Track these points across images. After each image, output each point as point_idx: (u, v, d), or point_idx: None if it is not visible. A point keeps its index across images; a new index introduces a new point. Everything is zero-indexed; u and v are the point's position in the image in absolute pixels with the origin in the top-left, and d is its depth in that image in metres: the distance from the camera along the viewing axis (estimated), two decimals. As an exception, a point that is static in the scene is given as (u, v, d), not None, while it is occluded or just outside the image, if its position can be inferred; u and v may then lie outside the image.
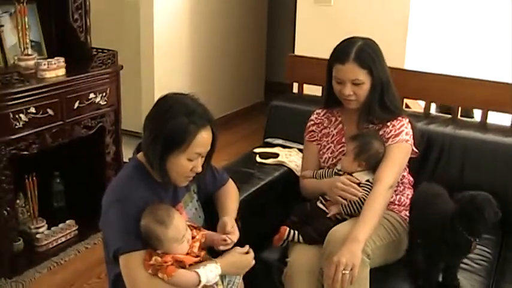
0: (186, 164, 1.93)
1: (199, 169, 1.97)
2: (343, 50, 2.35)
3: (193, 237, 1.96)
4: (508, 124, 2.85)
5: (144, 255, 1.87)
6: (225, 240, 2.01)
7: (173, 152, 1.89)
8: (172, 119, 1.88)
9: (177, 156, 1.90)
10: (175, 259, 1.86)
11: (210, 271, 1.90)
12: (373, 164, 2.33)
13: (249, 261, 2.06)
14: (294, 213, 2.41)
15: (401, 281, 2.26)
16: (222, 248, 2.02)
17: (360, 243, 2.07)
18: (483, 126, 2.85)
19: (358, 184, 2.30)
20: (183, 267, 1.88)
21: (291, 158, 2.88)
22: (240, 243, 2.08)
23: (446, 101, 2.99)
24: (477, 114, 2.92)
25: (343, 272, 2.01)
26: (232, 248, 2.05)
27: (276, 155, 2.91)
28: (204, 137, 1.92)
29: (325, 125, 2.56)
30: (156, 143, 1.89)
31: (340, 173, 2.39)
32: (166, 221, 1.86)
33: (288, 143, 3.04)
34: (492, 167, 2.67)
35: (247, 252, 2.08)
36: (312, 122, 2.60)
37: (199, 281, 1.86)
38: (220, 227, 2.09)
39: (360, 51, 2.32)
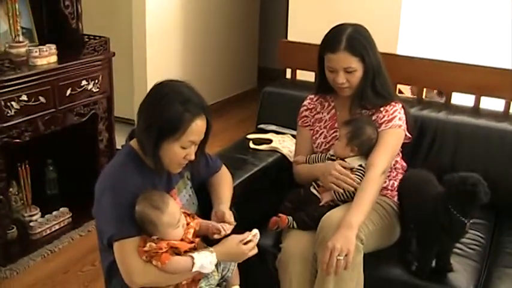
0: (179, 152, 1.92)
1: (193, 157, 1.97)
2: (334, 39, 2.34)
3: (187, 224, 1.96)
4: (501, 109, 2.86)
5: (139, 241, 1.88)
6: (219, 230, 2.01)
7: (167, 139, 1.89)
8: (168, 106, 1.88)
9: (171, 143, 1.90)
10: (170, 245, 1.87)
11: (205, 257, 1.90)
12: (366, 150, 2.33)
13: (245, 252, 2.03)
14: (287, 199, 2.41)
15: (395, 266, 2.27)
16: (216, 237, 2.02)
17: (353, 229, 2.08)
18: (476, 111, 2.86)
19: (351, 169, 2.31)
20: (178, 253, 1.88)
21: (284, 143, 2.88)
22: (235, 229, 2.08)
23: (438, 87, 2.99)
24: (470, 100, 2.92)
25: (338, 257, 2.02)
26: (229, 235, 2.05)
27: (269, 141, 2.90)
28: (198, 126, 1.92)
29: (318, 110, 2.56)
30: (150, 130, 1.89)
31: (333, 158, 2.39)
32: (162, 206, 1.86)
33: (281, 129, 3.04)
34: (485, 152, 2.68)
35: (246, 242, 2.05)
36: (305, 107, 2.60)
37: (193, 264, 1.87)
38: (217, 216, 2.09)
39: (350, 38, 2.31)
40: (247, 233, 2.05)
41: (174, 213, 1.89)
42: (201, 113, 1.93)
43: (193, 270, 1.88)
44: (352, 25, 2.37)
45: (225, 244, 2.01)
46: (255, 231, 2.06)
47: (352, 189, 2.26)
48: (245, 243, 2.02)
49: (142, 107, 1.96)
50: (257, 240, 2.06)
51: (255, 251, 2.06)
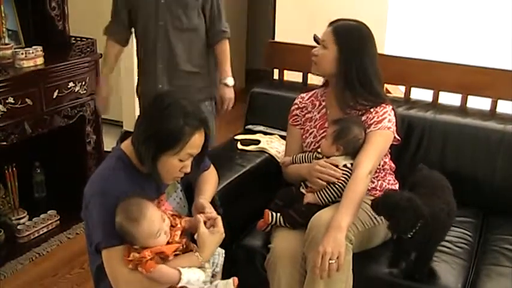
0: (177, 164, 1.92)
1: (188, 170, 1.97)
2: (338, 19, 2.44)
3: (175, 226, 1.95)
4: (488, 108, 2.87)
5: (124, 250, 1.87)
6: (202, 219, 2.00)
7: (166, 152, 1.88)
8: (169, 119, 1.87)
9: (169, 156, 1.89)
10: (154, 252, 1.85)
11: (194, 273, 1.89)
12: (351, 149, 2.33)
13: (220, 231, 2.02)
14: (278, 197, 2.42)
15: (384, 265, 2.28)
16: (211, 229, 2.01)
17: (343, 231, 2.08)
18: (463, 110, 2.88)
19: (336, 167, 2.31)
20: (165, 257, 1.87)
21: (272, 144, 2.88)
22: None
23: (426, 86, 3.00)
24: (457, 99, 2.94)
25: (330, 261, 2.03)
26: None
27: (258, 142, 2.91)
28: (197, 139, 1.92)
29: (309, 109, 2.57)
30: (149, 142, 1.88)
31: (320, 156, 2.40)
32: (138, 217, 1.83)
33: (269, 130, 3.04)
34: (472, 150, 2.70)
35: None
36: (296, 106, 2.60)
37: (180, 279, 1.85)
38: (196, 208, 2.09)
39: (345, 25, 2.40)
40: (197, 217, 2.02)
41: (153, 221, 1.86)
42: (200, 126, 1.92)
43: (180, 285, 1.86)
44: (359, 22, 2.44)
45: (201, 241, 1.97)
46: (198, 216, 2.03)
47: (335, 180, 2.27)
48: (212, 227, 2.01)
49: (143, 116, 1.95)
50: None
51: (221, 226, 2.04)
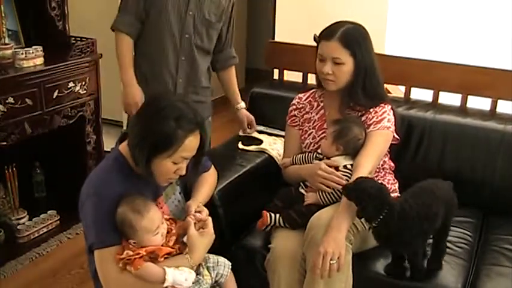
0: (170, 167, 1.91)
1: (183, 172, 1.96)
2: (331, 29, 2.37)
3: (170, 231, 1.96)
4: (488, 108, 2.87)
5: (117, 250, 1.87)
6: (191, 220, 2.00)
7: (159, 155, 1.88)
8: (162, 122, 1.86)
9: (163, 159, 1.89)
10: (147, 252, 1.85)
11: (180, 274, 1.88)
12: (351, 149, 2.33)
13: (210, 233, 2.02)
14: (278, 198, 2.41)
15: (383, 266, 2.28)
16: (201, 231, 2.01)
17: (343, 231, 2.08)
18: (463, 110, 2.88)
19: (336, 169, 2.31)
20: (155, 257, 1.87)
21: (274, 146, 2.87)
22: (221, 230, 2.06)
23: (426, 86, 3.00)
24: (457, 99, 2.94)
25: (331, 262, 2.03)
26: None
27: (260, 141, 2.90)
28: (191, 142, 1.91)
29: (307, 110, 2.56)
30: (143, 144, 1.87)
31: (320, 156, 2.40)
32: (142, 211, 1.86)
33: (269, 130, 3.04)
34: (472, 151, 2.70)
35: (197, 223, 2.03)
36: (294, 107, 2.60)
37: (165, 279, 1.84)
38: (185, 211, 2.09)
39: (346, 31, 2.34)
40: (188, 219, 2.02)
41: (154, 219, 1.88)
42: (195, 129, 1.91)
43: (165, 284, 1.86)
44: (352, 23, 2.40)
45: (191, 243, 1.97)
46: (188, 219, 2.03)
47: (340, 187, 2.26)
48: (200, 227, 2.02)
49: (139, 117, 1.94)
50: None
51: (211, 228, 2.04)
